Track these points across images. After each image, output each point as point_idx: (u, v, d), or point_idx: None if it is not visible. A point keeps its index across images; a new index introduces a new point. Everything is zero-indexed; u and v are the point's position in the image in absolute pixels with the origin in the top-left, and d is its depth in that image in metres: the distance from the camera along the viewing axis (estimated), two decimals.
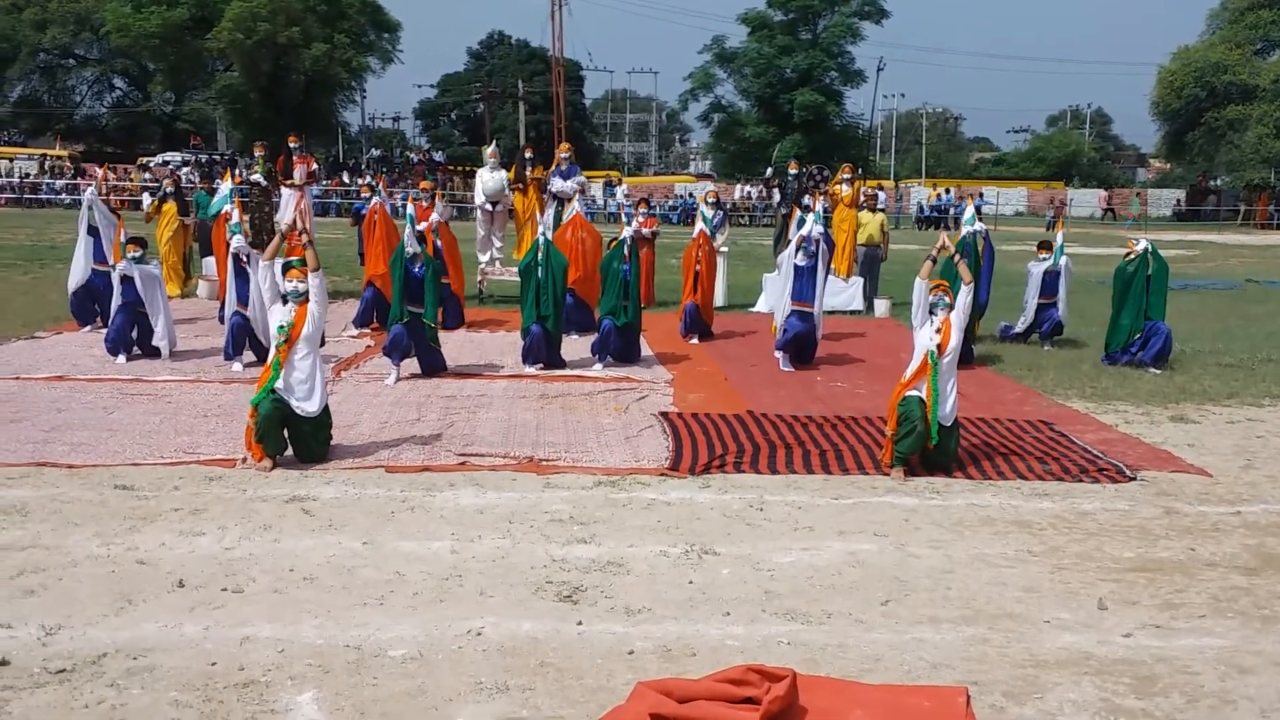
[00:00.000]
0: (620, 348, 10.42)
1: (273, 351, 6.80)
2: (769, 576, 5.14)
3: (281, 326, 6.78)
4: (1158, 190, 60.05)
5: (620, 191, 40.96)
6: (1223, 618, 4.81)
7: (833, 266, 13.48)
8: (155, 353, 10.17)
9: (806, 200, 13.05)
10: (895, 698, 3.93)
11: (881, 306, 14.84)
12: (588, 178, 21.75)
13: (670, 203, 43.73)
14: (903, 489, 6.64)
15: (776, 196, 18.24)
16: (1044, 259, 12.05)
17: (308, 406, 6.77)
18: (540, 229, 10.55)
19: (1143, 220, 46.02)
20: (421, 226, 10.43)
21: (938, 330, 6.95)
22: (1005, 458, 7.33)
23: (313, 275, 6.88)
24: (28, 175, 42.75)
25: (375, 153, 59.26)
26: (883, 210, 16.83)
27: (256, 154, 15.46)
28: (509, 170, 15.25)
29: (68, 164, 45.30)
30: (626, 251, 10.39)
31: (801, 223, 10.79)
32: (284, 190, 15.17)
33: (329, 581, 4.93)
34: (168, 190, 15.02)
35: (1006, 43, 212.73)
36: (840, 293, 14.65)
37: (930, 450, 6.92)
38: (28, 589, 4.74)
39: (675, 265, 15.87)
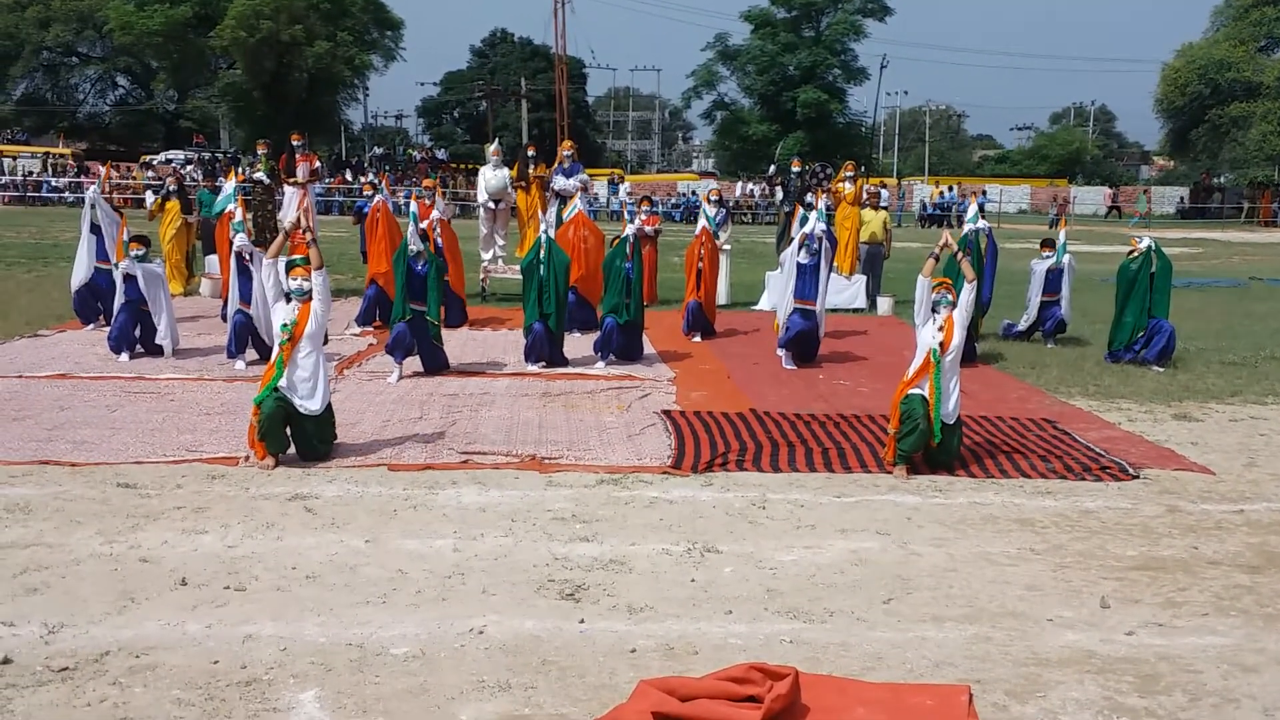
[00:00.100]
0: (623, 346, 10.42)
1: (276, 350, 6.80)
2: (771, 575, 5.14)
3: (285, 325, 6.79)
4: (1161, 188, 59.88)
5: (623, 189, 40.95)
6: (1225, 616, 4.80)
7: (835, 264, 13.48)
8: (158, 351, 10.18)
9: (809, 198, 13.06)
10: (897, 696, 3.93)
11: (884, 304, 14.82)
12: (590, 176, 21.79)
13: (673, 201, 43.70)
14: (905, 487, 6.64)
15: (779, 194, 18.22)
16: (1047, 257, 12.05)
17: (310, 405, 6.78)
18: (542, 227, 10.55)
19: (1148, 218, 45.94)
20: (423, 224, 10.43)
21: (940, 328, 6.95)
22: (1008, 456, 7.32)
23: (315, 273, 6.88)
24: (31, 173, 42.78)
25: (378, 151, 59.25)
26: (885, 208, 16.81)
27: (259, 152, 15.45)
28: (512, 168, 15.24)
29: (71, 162, 45.34)
30: (629, 249, 10.38)
31: (804, 220, 10.78)
32: (287, 188, 15.15)
33: (331, 580, 4.93)
34: (171, 188, 15.02)
35: (1010, 40, 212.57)
36: (843, 290, 14.65)
37: (933, 448, 6.91)
38: (30, 587, 4.75)
39: (678, 263, 15.87)
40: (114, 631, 4.32)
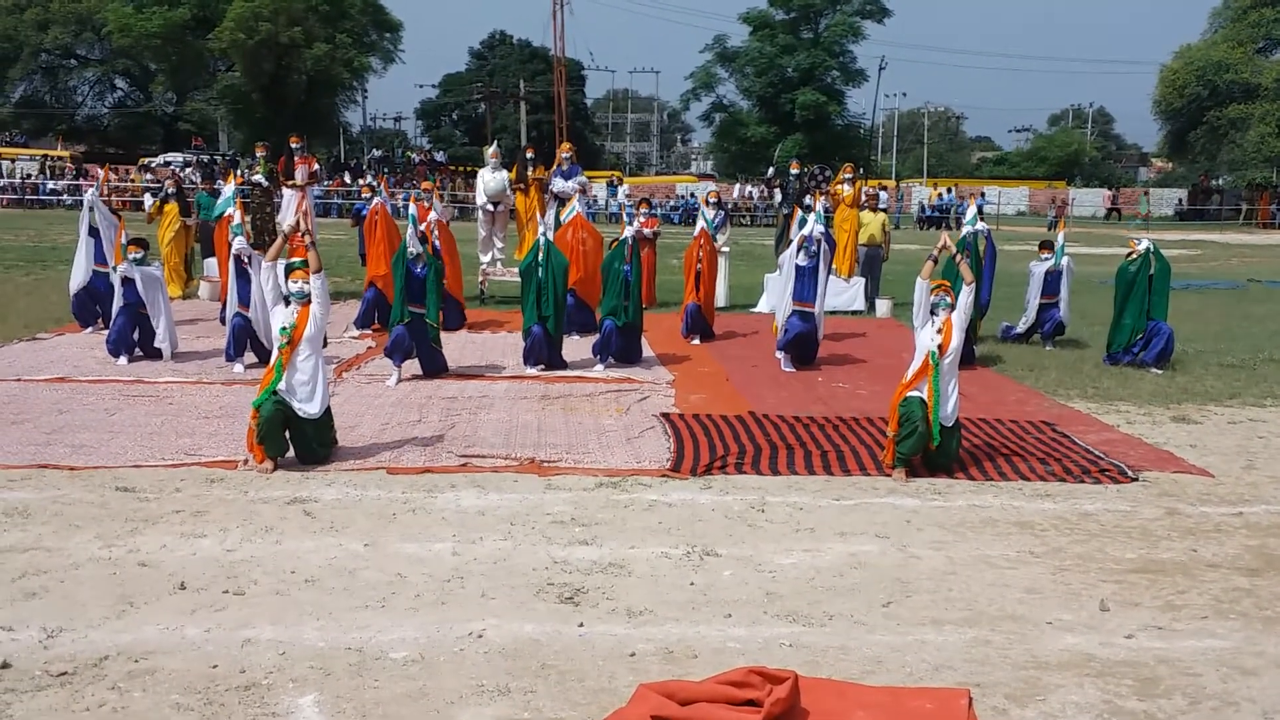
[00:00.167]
0: (621, 348, 10.41)
1: (275, 353, 6.80)
2: (770, 578, 5.14)
3: (284, 328, 6.78)
4: (1160, 189, 59.98)
5: (622, 191, 40.97)
6: (1225, 619, 4.80)
7: (834, 266, 13.48)
8: (157, 354, 10.17)
9: (808, 200, 13.06)
10: (897, 700, 3.93)
11: (883, 306, 14.83)
12: (589, 178, 21.77)
13: (671, 203, 43.73)
14: (904, 490, 6.64)
15: (778, 196, 18.23)
16: (1046, 259, 12.05)
17: (309, 408, 6.77)
18: (541, 229, 10.55)
19: (1148, 220, 46.00)
20: (421, 226, 10.42)
21: (939, 330, 6.95)
22: (1007, 458, 7.32)
23: (314, 276, 6.88)
24: (29, 176, 42.77)
25: (376, 153, 59.25)
26: (884, 210, 16.83)
27: (258, 154, 15.45)
28: (510, 170, 15.26)
29: (69, 164, 45.33)
30: (628, 252, 10.38)
31: (803, 223, 10.79)
32: (285, 191, 15.16)
33: (330, 583, 4.93)
34: (169, 191, 15.02)
35: (1008, 42, 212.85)
36: (842, 293, 14.66)
37: (932, 451, 6.91)
38: (29, 591, 4.74)
39: (676, 265, 15.88)
40: (113, 636, 4.31)
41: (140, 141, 60.12)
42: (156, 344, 10.16)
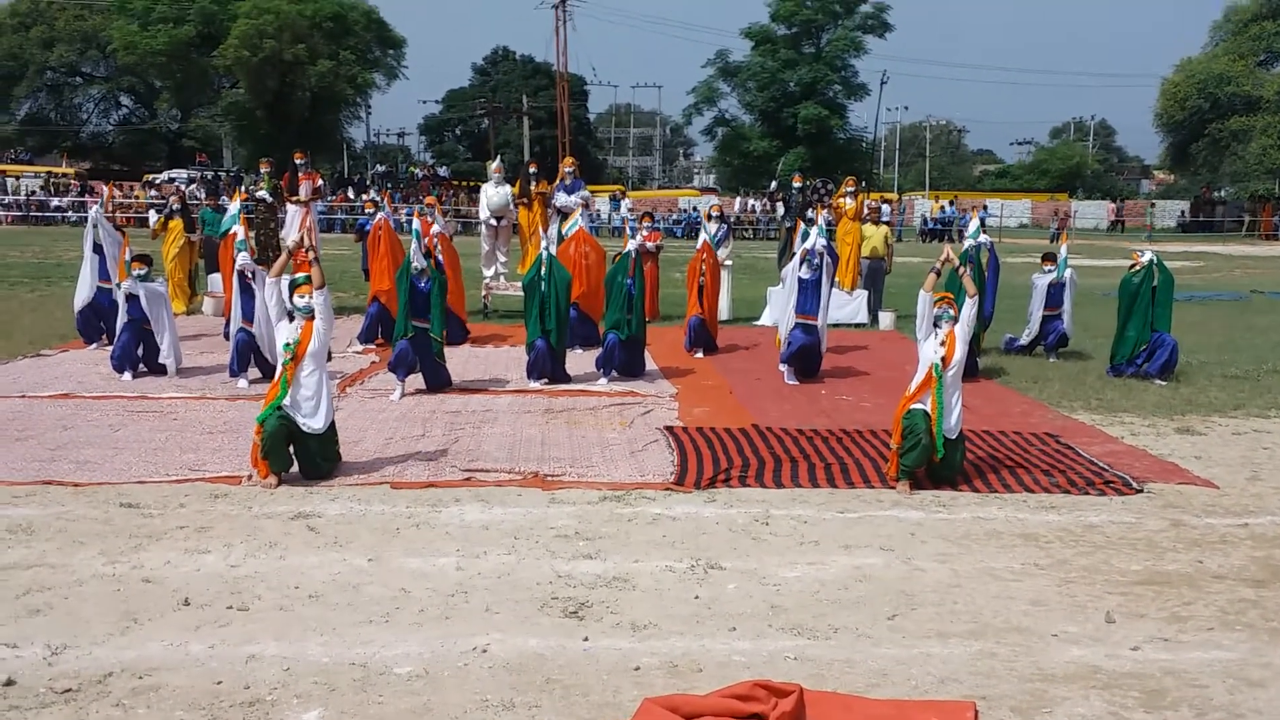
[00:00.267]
0: (625, 362, 10.42)
1: (280, 368, 6.81)
2: (775, 591, 5.13)
3: (288, 344, 6.80)
4: (1162, 202, 60.10)
5: (624, 206, 41.08)
6: (1231, 630, 4.79)
7: (837, 279, 13.49)
8: (161, 370, 10.19)
9: (810, 213, 13.09)
10: (903, 713, 3.91)
11: (886, 319, 14.84)
12: (592, 192, 21.85)
13: (674, 217, 43.83)
14: (908, 502, 6.63)
15: (780, 210, 18.25)
16: (1048, 271, 12.06)
17: (313, 423, 6.78)
18: (543, 244, 10.57)
19: (1152, 232, 46.05)
20: (425, 240, 10.45)
21: (942, 343, 6.95)
22: (1011, 470, 7.31)
23: (318, 292, 6.90)
24: (34, 193, 42.94)
25: (380, 168, 59.51)
26: (886, 223, 16.86)
27: (262, 170, 15.51)
28: (513, 185, 15.30)
29: (74, 181, 45.52)
30: (631, 266, 10.41)
31: (805, 236, 10.80)
32: (289, 207, 15.21)
33: (334, 599, 4.92)
34: (174, 207, 15.07)
35: (1010, 55, 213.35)
36: (844, 306, 14.67)
37: (936, 463, 6.90)
38: (33, 608, 4.74)
39: (679, 279, 15.90)
40: (117, 652, 4.31)
41: (145, 158, 60.40)
42: (161, 360, 10.18)
